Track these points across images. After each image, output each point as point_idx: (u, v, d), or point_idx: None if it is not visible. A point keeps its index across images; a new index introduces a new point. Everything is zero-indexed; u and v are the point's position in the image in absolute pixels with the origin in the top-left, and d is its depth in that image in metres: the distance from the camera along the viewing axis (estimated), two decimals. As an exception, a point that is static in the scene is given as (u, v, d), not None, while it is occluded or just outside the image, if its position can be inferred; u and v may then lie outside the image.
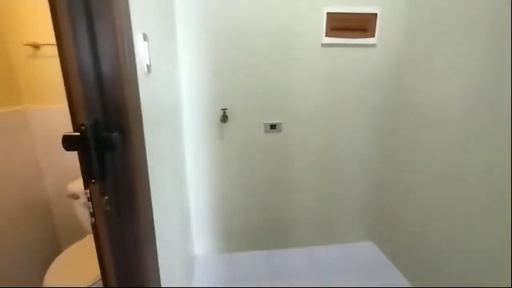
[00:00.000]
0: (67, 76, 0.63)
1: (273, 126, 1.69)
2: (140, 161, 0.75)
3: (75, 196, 1.54)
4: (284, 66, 1.60)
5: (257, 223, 1.87)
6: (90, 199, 0.70)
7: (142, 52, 0.78)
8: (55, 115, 1.56)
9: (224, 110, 1.62)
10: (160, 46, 1.05)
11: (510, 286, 1.04)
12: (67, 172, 1.65)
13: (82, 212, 1.58)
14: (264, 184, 1.80)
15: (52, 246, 1.76)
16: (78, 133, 0.63)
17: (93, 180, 0.67)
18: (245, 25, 1.52)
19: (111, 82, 0.65)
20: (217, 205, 1.82)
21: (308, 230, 1.94)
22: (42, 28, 1.43)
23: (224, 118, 1.62)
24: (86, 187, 0.69)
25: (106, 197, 0.70)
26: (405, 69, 1.63)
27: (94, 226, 0.73)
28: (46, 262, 1.39)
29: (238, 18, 1.50)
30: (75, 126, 0.67)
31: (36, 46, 1.45)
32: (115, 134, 0.65)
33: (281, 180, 1.81)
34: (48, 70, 1.51)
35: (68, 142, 0.63)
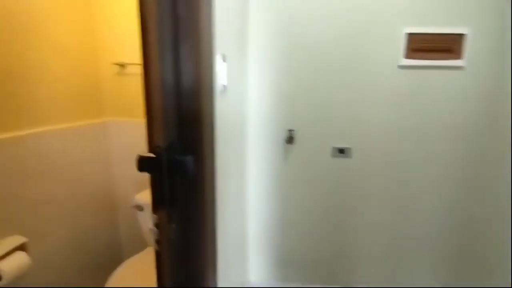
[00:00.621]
0: (148, 95, 0.60)
1: (341, 151, 1.53)
2: (210, 188, 0.70)
3: (140, 208, 1.60)
4: (357, 88, 1.46)
5: (318, 254, 1.69)
6: (157, 225, 0.65)
7: (220, 73, 0.74)
8: (131, 128, 1.67)
9: (290, 131, 1.53)
10: (235, 65, 1.02)
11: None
12: (136, 183, 1.74)
13: (145, 224, 1.63)
14: (329, 212, 1.63)
15: (115, 253, 1.84)
16: (153, 155, 0.60)
17: (162, 206, 0.63)
18: (317, 43, 1.43)
19: (190, 104, 0.61)
20: (277, 230, 1.70)
21: (375, 269, 1.68)
22: (129, 49, 1.57)
23: (290, 140, 1.53)
24: (155, 211, 0.65)
25: (174, 225, 0.65)
26: (498, 95, 1.35)
27: (158, 254, 0.68)
28: (107, 270, 1.44)
29: (310, 36, 1.43)
30: (151, 146, 0.64)
31: (122, 65, 1.59)
32: (189, 158, 0.60)
33: (348, 210, 1.61)
34: (130, 86, 1.63)
35: (142, 164, 0.61)
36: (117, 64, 1.58)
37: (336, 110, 1.50)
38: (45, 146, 1.30)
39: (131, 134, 1.68)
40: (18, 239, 1.17)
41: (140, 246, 1.68)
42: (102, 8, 1.55)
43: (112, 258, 1.79)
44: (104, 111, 1.68)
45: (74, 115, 1.47)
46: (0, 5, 1.09)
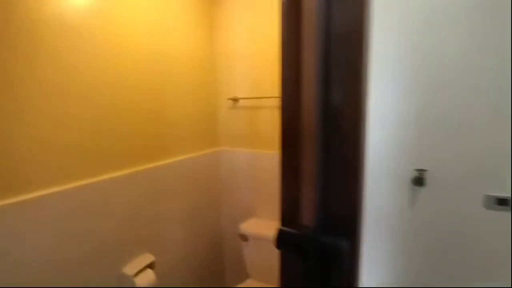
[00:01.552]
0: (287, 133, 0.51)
1: (502, 201, 1.12)
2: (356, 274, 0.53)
3: (245, 238, 1.60)
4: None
5: None
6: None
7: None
8: (240, 157, 1.74)
9: (420, 171, 1.23)
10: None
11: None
12: (242, 211, 1.77)
13: (248, 254, 1.62)
14: (466, 277, 1.20)
15: (217, 279, 1.89)
16: (296, 232, 0.48)
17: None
18: (455, 68, 1.13)
19: (348, 153, 0.47)
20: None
21: None
22: (242, 84, 1.67)
23: (419, 181, 1.23)
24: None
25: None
26: None
27: None
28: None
29: (446, 57, 1.14)
30: (289, 211, 0.52)
31: (235, 100, 1.70)
32: (344, 243, 0.44)
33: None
34: (240, 118, 1.71)
35: (283, 239, 0.48)
36: (231, 99, 1.70)
37: (485, 148, 1.12)
38: (172, 173, 1.47)
39: (240, 163, 1.75)
40: (149, 257, 1.33)
41: (242, 276, 1.68)
42: (222, 48, 1.72)
43: (214, 284, 1.83)
44: (219, 141, 1.82)
45: (195, 146, 1.64)
46: (149, 50, 1.32)
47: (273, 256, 1.59)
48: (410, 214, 1.30)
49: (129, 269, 1.24)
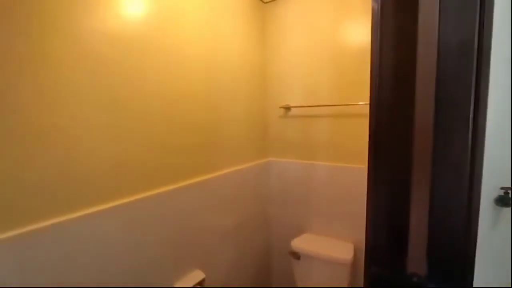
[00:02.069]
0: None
1: None
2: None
3: (296, 256, 1.49)
4: None
5: None
6: None
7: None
8: (290, 168, 1.65)
9: (507, 189, 1.12)
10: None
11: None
12: (293, 226, 1.67)
13: (299, 274, 1.51)
14: None
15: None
16: (400, 279, 0.42)
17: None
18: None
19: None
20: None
21: None
22: (295, 92, 1.61)
23: (505, 200, 1.12)
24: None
25: None
26: None
27: None
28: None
29: None
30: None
31: (287, 108, 1.63)
32: None
33: None
34: (292, 127, 1.64)
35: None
36: (283, 107, 1.64)
37: None
38: (220, 186, 1.39)
39: (290, 174, 1.66)
40: (200, 275, 1.24)
41: (291, 297, 1.56)
42: (273, 54, 1.68)
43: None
44: (268, 151, 1.74)
45: (244, 157, 1.56)
46: (201, 60, 1.27)
47: (327, 276, 1.48)
48: (491, 237, 1.18)
49: (181, 285, 1.16)
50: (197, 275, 1.25)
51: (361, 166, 1.42)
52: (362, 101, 1.36)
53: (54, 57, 0.78)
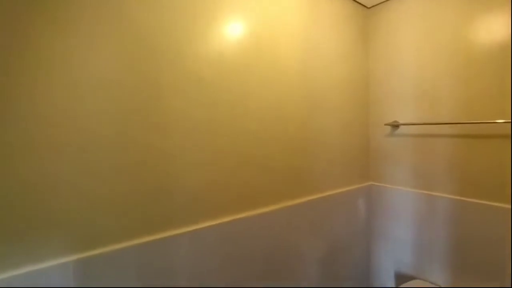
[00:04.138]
0: None
1: None
2: None
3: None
4: None
5: None
6: None
7: None
8: (399, 197, 1.40)
9: None
10: None
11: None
12: (398, 269, 1.41)
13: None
14: None
15: None
16: None
17: None
18: None
19: None
20: None
21: None
22: (404, 107, 1.36)
23: None
24: None
25: None
26: None
27: None
28: None
29: None
30: None
31: (395, 126, 1.39)
32: None
33: None
34: (401, 148, 1.39)
35: None
36: (390, 124, 1.40)
37: None
38: (315, 209, 1.29)
39: (396, 204, 1.40)
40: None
41: None
42: (379, 65, 1.47)
43: None
44: (369, 174, 1.54)
45: (341, 181, 1.41)
46: (300, 75, 1.21)
47: None
48: None
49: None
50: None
51: (500, 205, 1.06)
52: (500, 119, 1.02)
53: (167, 86, 0.87)
